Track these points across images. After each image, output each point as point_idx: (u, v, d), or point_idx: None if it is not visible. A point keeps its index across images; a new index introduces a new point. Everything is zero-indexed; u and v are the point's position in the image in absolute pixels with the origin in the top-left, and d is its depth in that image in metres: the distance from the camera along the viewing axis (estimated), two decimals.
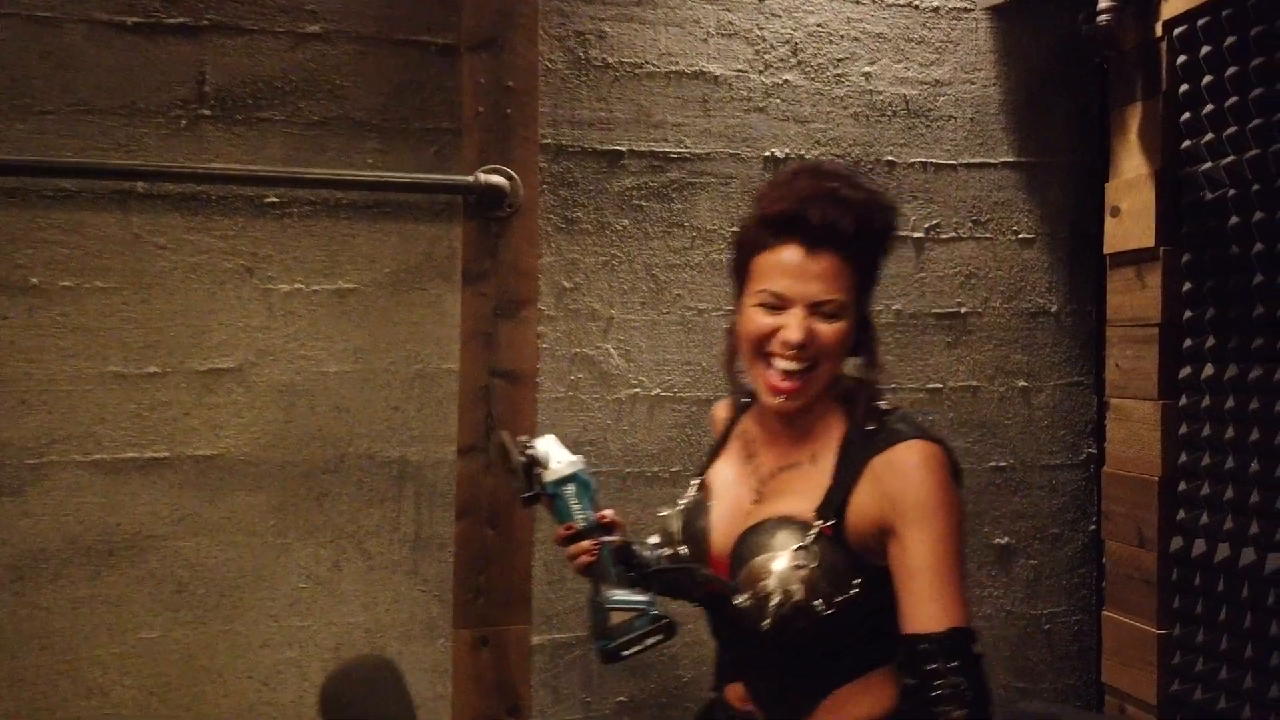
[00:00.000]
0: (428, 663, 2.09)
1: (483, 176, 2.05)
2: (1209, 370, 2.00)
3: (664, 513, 1.45)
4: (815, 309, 1.24)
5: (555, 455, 1.40)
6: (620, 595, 1.33)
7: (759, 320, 1.27)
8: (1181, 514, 2.06)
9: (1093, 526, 2.39)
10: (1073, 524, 2.39)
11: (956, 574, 1.18)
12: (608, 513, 1.38)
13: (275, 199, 2.03)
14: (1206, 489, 2.00)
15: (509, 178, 2.08)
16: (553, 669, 2.15)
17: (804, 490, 1.28)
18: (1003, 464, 2.37)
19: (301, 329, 2.04)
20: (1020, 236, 2.38)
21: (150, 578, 1.98)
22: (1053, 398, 2.39)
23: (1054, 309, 2.39)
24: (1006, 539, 2.36)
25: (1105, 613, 2.27)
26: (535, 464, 1.40)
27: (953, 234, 2.34)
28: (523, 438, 1.43)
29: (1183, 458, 2.07)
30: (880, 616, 1.23)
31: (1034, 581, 2.38)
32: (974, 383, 2.36)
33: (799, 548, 1.22)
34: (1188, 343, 2.07)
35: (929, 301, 2.33)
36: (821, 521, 1.24)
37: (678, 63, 2.21)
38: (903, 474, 1.21)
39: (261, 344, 2.02)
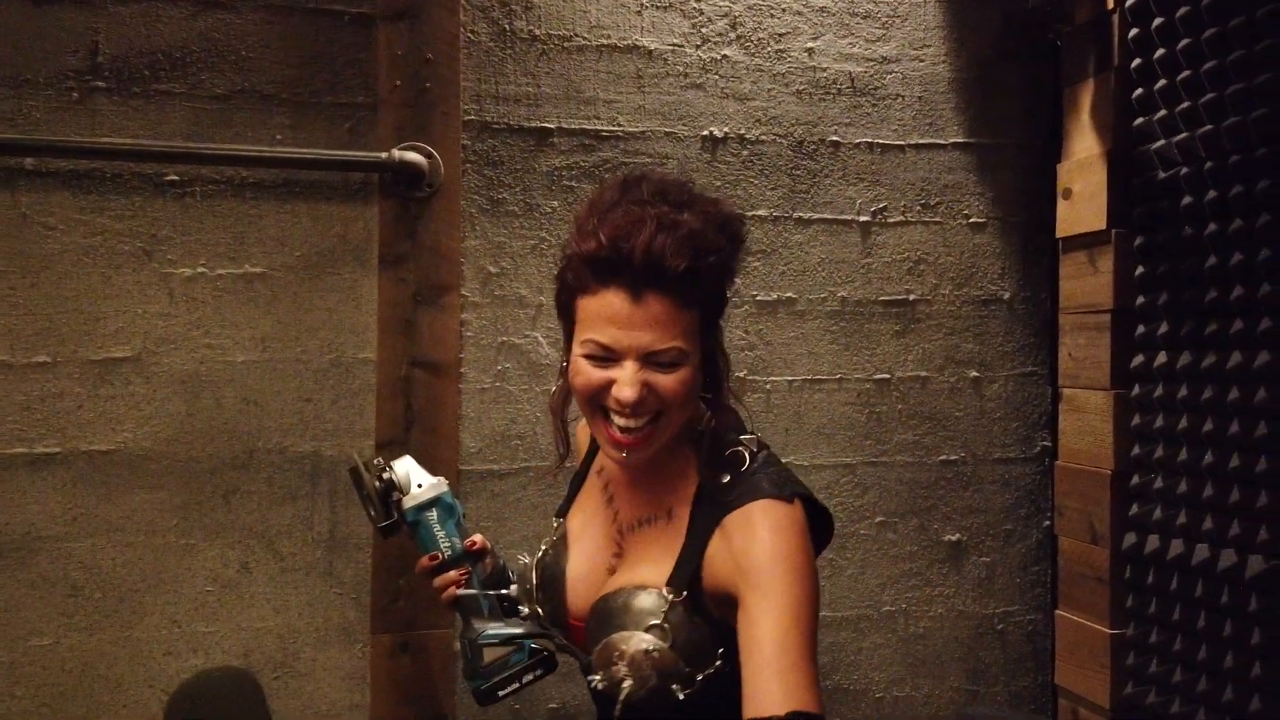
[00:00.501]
0: (344, 669, 1.98)
1: (399, 154, 1.93)
2: (1162, 358, 1.91)
3: (523, 560, 1.33)
4: (649, 360, 1.09)
5: (415, 478, 1.29)
6: (493, 629, 1.23)
7: (588, 373, 1.11)
8: (1134, 509, 1.97)
9: (1047, 522, 2.29)
10: (1026, 520, 2.30)
11: (805, 650, 1.02)
12: (477, 538, 1.28)
13: (175, 177, 1.90)
14: (1160, 482, 1.91)
15: (428, 155, 1.97)
16: None
17: (659, 555, 1.16)
18: (953, 457, 2.27)
19: (205, 316, 1.92)
20: (971, 220, 2.28)
21: (42, 581, 1.85)
22: (1005, 388, 2.30)
23: (1006, 296, 2.30)
24: (958, 535, 2.27)
25: (1058, 612, 2.18)
26: (394, 489, 1.28)
27: (900, 218, 2.24)
28: (378, 460, 1.31)
29: (1135, 450, 1.98)
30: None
31: (986, 580, 2.29)
32: (923, 373, 2.26)
33: (652, 626, 1.11)
34: (1140, 329, 1.98)
35: (876, 288, 2.23)
36: (673, 594, 1.12)
37: (609, 36, 2.10)
38: (751, 537, 1.08)
39: (161, 332, 1.89)
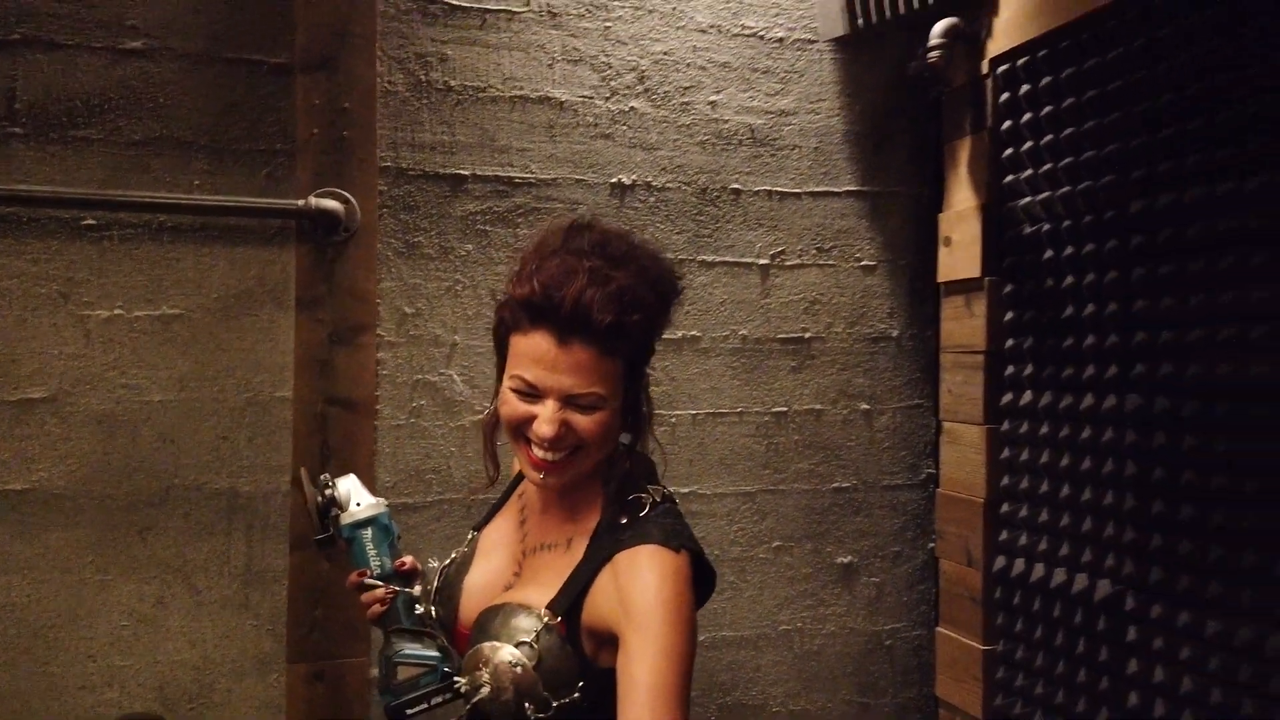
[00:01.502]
0: (259, 700, 2.03)
1: (315, 201, 2.01)
2: (1028, 397, 2.09)
3: (432, 564, 1.42)
4: (569, 401, 1.17)
5: (356, 496, 1.36)
6: (411, 649, 1.30)
7: (514, 405, 1.20)
8: (1004, 535, 2.14)
9: (931, 544, 2.47)
10: (912, 542, 2.47)
11: (678, 693, 1.09)
12: (407, 560, 1.35)
13: (93, 221, 1.94)
14: (1025, 511, 2.09)
15: (344, 201, 2.04)
16: None
17: (549, 580, 1.24)
18: (845, 485, 2.43)
19: (122, 356, 1.96)
20: (862, 264, 2.44)
21: None
22: (893, 420, 2.47)
23: (895, 334, 2.47)
24: (849, 558, 2.43)
25: (939, 629, 2.35)
26: (334, 505, 1.35)
27: (797, 261, 2.39)
28: (324, 476, 1.38)
29: (1005, 480, 2.15)
30: None
31: (876, 599, 2.45)
32: (818, 406, 2.41)
33: (521, 643, 1.18)
34: (1010, 370, 2.16)
35: (774, 327, 2.38)
36: (549, 617, 1.19)
37: (522, 88, 2.20)
38: (638, 579, 1.15)
39: (78, 372, 1.93)
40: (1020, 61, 2.11)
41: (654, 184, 2.29)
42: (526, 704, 1.18)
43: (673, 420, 2.31)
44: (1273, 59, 1.57)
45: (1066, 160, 2.00)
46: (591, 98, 2.25)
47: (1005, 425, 2.16)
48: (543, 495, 1.32)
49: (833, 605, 2.42)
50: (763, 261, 2.37)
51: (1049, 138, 2.05)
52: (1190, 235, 1.71)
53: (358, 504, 1.35)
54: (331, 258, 2.06)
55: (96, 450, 1.94)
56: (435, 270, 2.15)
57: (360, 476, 1.88)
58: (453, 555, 1.42)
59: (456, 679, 1.27)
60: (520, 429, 1.21)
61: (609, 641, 1.17)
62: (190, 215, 1.99)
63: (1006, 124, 2.16)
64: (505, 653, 1.19)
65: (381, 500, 1.37)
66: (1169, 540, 1.72)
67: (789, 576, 2.39)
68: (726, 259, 2.34)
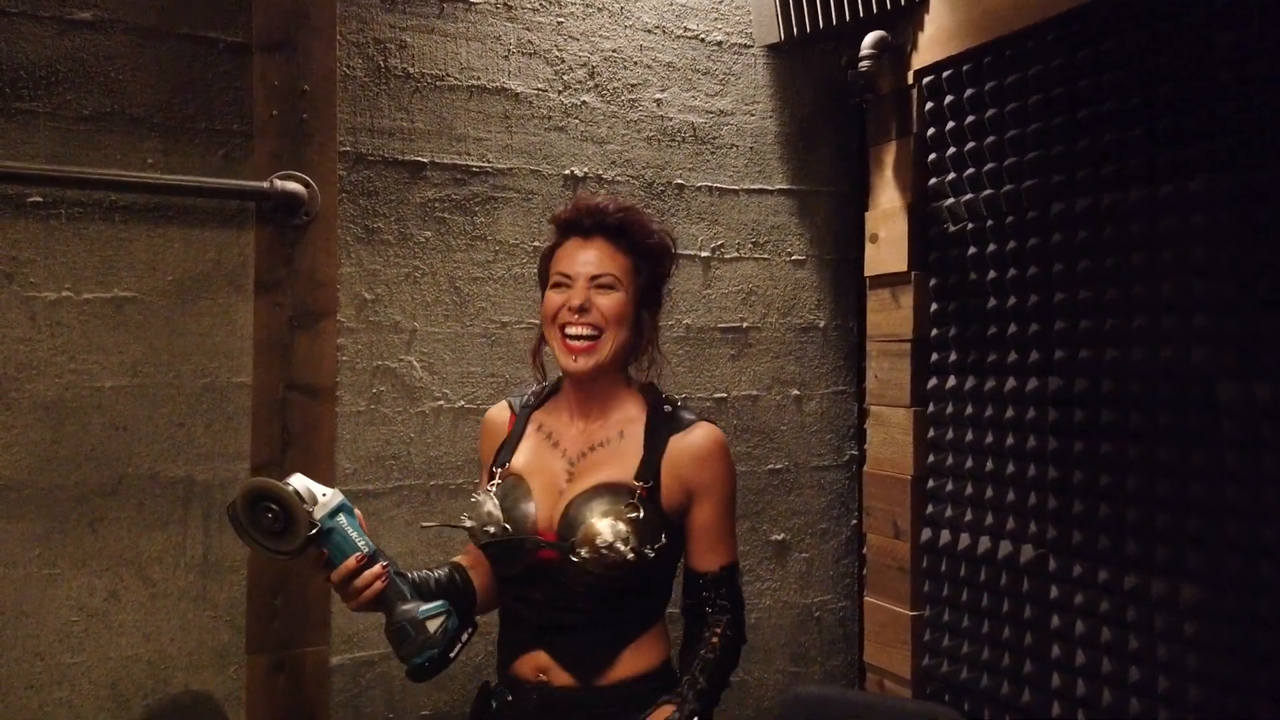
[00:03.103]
0: (219, 692, 1.99)
1: (279, 183, 1.98)
2: (952, 381, 2.29)
3: (475, 498, 1.53)
4: (593, 282, 1.51)
5: (315, 489, 1.37)
6: (426, 606, 1.37)
7: (552, 298, 1.54)
8: (930, 508, 2.34)
9: (855, 521, 2.64)
10: (838, 519, 2.64)
11: (732, 527, 1.57)
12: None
13: (39, 198, 1.86)
14: (950, 486, 2.28)
15: (306, 184, 2.02)
16: (353, 689, 2.11)
17: (618, 460, 1.52)
18: (779, 466, 2.57)
19: (71, 340, 1.88)
20: (793, 258, 2.59)
21: None
22: (821, 405, 2.63)
23: (822, 324, 2.63)
24: (783, 535, 2.57)
25: (866, 598, 2.52)
26: (303, 501, 1.35)
27: (735, 254, 2.52)
28: (287, 481, 1.37)
29: (931, 458, 2.35)
30: (665, 573, 1.55)
31: (806, 573, 2.61)
32: (754, 392, 2.55)
33: (626, 504, 1.46)
34: (934, 357, 2.35)
35: (715, 316, 2.50)
36: (640, 483, 1.48)
37: (479, 78, 2.24)
38: (703, 451, 1.53)
39: (24, 357, 1.84)
40: (945, 74, 2.30)
41: (604, 177, 2.36)
42: (645, 548, 1.44)
43: None
44: (1178, 80, 1.79)
45: (989, 165, 2.20)
46: (545, 90, 2.31)
47: (931, 407, 2.35)
48: (572, 415, 1.59)
49: (768, 580, 2.56)
50: (705, 254, 2.48)
51: (972, 144, 2.24)
52: (1107, 235, 1.92)
53: (323, 494, 1.37)
54: (292, 241, 2.03)
55: (44, 439, 1.86)
56: (394, 256, 2.16)
57: (321, 463, 1.93)
58: (492, 485, 1.55)
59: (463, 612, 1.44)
60: (556, 316, 1.52)
61: (677, 505, 1.51)
62: (145, 194, 1.92)
63: (931, 130, 2.35)
64: (613, 514, 1.44)
65: (336, 489, 1.40)
66: (1089, 505, 1.93)
67: None
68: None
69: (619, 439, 1.54)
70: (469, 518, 1.51)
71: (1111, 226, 1.92)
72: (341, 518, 1.38)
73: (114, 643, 1.92)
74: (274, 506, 1.33)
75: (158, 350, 1.95)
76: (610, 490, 1.48)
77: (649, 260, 1.58)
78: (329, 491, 1.38)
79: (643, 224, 1.57)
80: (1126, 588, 1.85)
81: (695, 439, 1.53)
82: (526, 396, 1.66)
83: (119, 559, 1.92)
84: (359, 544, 1.38)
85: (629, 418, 1.56)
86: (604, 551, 1.42)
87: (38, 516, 1.85)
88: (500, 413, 1.67)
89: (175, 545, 1.96)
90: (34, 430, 1.85)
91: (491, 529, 1.48)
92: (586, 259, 1.52)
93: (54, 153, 1.86)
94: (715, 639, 1.48)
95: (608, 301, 1.51)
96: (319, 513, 1.36)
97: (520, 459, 1.58)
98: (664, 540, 1.47)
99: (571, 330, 1.50)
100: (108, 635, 1.91)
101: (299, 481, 1.37)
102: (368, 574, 1.37)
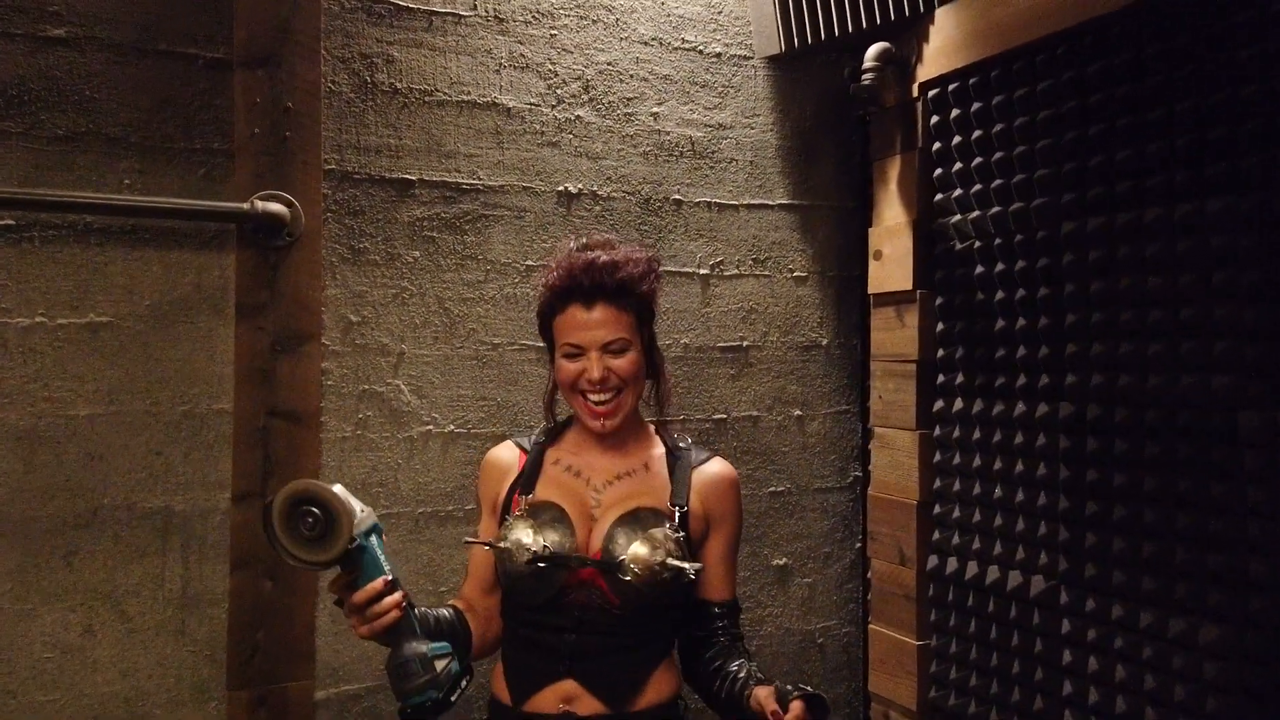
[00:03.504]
0: None
1: (260, 204, 1.91)
2: (959, 404, 2.21)
3: (508, 519, 1.57)
4: (605, 349, 1.56)
5: (354, 504, 1.33)
6: (434, 645, 1.35)
7: (567, 368, 1.59)
8: (936, 535, 2.26)
9: (859, 545, 2.57)
10: (841, 543, 2.57)
11: (737, 560, 1.71)
12: None
13: (11, 221, 1.80)
14: (958, 512, 2.20)
15: (288, 204, 1.96)
16: None
17: (648, 489, 1.61)
18: (780, 489, 2.50)
19: (44, 368, 1.82)
20: (795, 275, 2.52)
21: None
22: (824, 425, 2.55)
23: (824, 342, 2.55)
24: (785, 560, 2.50)
25: (871, 626, 2.45)
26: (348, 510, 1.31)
27: (735, 271, 2.45)
28: (317, 483, 1.33)
29: (937, 483, 2.27)
30: (686, 599, 1.62)
31: (808, 599, 2.53)
32: (755, 412, 2.47)
33: (670, 524, 1.55)
34: (941, 378, 2.27)
35: (714, 335, 2.42)
36: (676, 509, 1.59)
37: (469, 93, 2.17)
38: (724, 482, 1.67)
39: None
40: (951, 87, 2.22)
41: (599, 193, 2.29)
42: (687, 565, 1.51)
43: None
44: (1198, 95, 1.72)
45: (997, 182, 2.12)
46: (538, 105, 2.24)
47: (937, 430, 2.27)
48: (591, 451, 1.65)
49: (770, 606, 2.48)
50: (703, 271, 2.41)
51: (979, 160, 2.16)
52: (1121, 256, 1.84)
53: (361, 510, 1.32)
54: (274, 263, 1.97)
55: (16, 469, 1.79)
56: (381, 277, 2.09)
57: None
58: (518, 511, 1.57)
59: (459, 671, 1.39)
60: (575, 385, 1.58)
61: (698, 534, 1.63)
62: (122, 216, 1.86)
63: (936, 145, 2.28)
64: (659, 535, 1.53)
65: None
66: (1102, 538, 1.85)
67: None
68: (669, 268, 2.37)
69: (644, 470, 1.64)
70: (500, 543, 1.54)
71: (1126, 247, 1.84)
72: (374, 538, 1.34)
73: (89, 679, 1.85)
74: (316, 511, 1.28)
75: (135, 377, 1.88)
76: (651, 514, 1.56)
77: (647, 304, 1.63)
78: (366, 509, 1.35)
79: (637, 275, 1.58)
80: (1143, 625, 1.77)
81: (717, 470, 1.67)
82: (537, 434, 1.72)
83: (94, 592, 1.85)
84: (384, 567, 1.34)
85: (649, 452, 1.67)
86: (655, 568, 1.49)
87: (10, 549, 1.79)
88: (507, 451, 1.70)
89: (153, 578, 1.90)
90: (6, 460, 1.79)
91: (532, 550, 1.50)
92: (594, 329, 1.55)
93: (27, 174, 1.80)
94: (745, 656, 1.61)
95: (622, 363, 1.57)
96: (357, 528, 1.31)
97: (544, 489, 1.62)
98: (699, 564, 1.57)
99: (594, 397, 1.57)
100: (83, 672, 1.85)
101: (341, 491, 1.33)
102: (388, 600, 1.34)
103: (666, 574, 1.49)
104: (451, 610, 1.56)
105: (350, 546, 1.29)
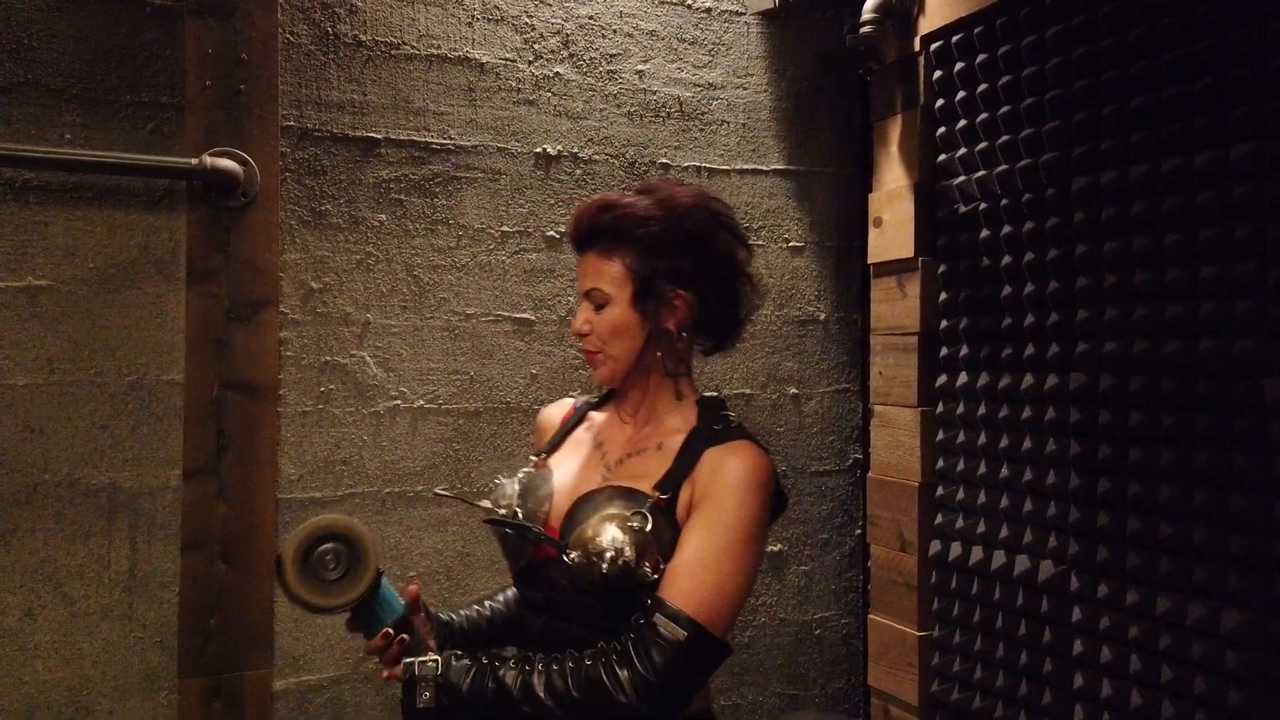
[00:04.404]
0: (147, 719, 1.82)
1: (210, 160, 1.80)
2: (963, 378, 2.07)
3: (500, 480, 1.45)
4: (590, 298, 1.40)
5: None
6: None
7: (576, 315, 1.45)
8: (939, 518, 2.11)
9: (859, 530, 2.43)
10: (840, 529, 2.43)
11: (724, 570, 1.24)
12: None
13: None
14: (962, 494, 2.06)
15: (243, 162, 1.84)
16: (299, 716, 1.92)
17: (647, 470, 1.36)
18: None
19: None
20: (791, 244, 2.38)
21: None
22: (822, 404, 2.42)
23: (822, 316, 2.41)
24: (780, 546, 2.36)
25: (871, 616, 2.31)
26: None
27: None
28: (343, 517, 1.27)
29: (940, 463, 2.12)
30: None
31: (805, 588, 2.39)
32: (748, 390, 2.34)
33: (634, 513, 1.29)
34: (944, 351, 2.13)
35: None
36: (657, 493, 1.31)
37: (439, 46, 2.04)
38: (723, 465, 1.31)
39: None
40: (954, 39, 2.07)
41: (580, 155, 2.16)
42: (644, 564, 1.26)
43: None
44: (1218, 35, 1.57)
45: (1004, 138, 1.97)
46: (514, 60, 2.11)
47: (940, 407, 2.13)
48: (621, 420, 1.47)
49: (763, 596, 2.35)
50: None
51: (984, 115, 2.02)
52: (1136, 213, 1.70)
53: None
54: (228, 225, 1.85)
55: None
56: (345, 242, 1.97)
57: (262, 469, 1.78)
58: (524, 469, 1.47)
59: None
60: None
61: (688, 513, 1.31)
62: (62, 172, 1.75)
63: (939, 102, 2.13)
64: (618, 521, 1.28)
65: None
66: (1116, 518, 1.71)
67: None
68: None
69: (656, 450, 1.40)
70: (490, 498, 1.44)
71: (1141, 203, 1.69)
72: (384, 579, 1.29)
73: (29, 666, 1.74)
74: (339, 547, 1.22)
75: (77, 345, 1.77)
76: (623, 495, 1.33)
77: (652, 252, 1.37)
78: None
79: (629, 216, 1.36)
80: (1159, 611, 1.62)
81: (725, 450, 1.33)
82: (593, 395, 1.60)
83: (34, 574, 1.74)
84: (398, 605, 1.30)
85: (673, 429, 1.41)
86: (593, 558, 1.27)
87: None
88: (558, 408, 1.61)
89: (98, 559, 1.78)
90: None
91: (502, 510, 1.39)
92: (585, 277, 1.42)
93: None
94: (594, 653, 1.26)
95: (600, 320, 1.40)
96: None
97: (560, 453, 1.50)
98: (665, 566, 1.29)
99: (584, 346, 1.45)
100: (22, 658, 1.74)
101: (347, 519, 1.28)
102: (397, 650, 1.28)
103: (605, 566, 1.26)
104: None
105: (375, 587, 1.25)
